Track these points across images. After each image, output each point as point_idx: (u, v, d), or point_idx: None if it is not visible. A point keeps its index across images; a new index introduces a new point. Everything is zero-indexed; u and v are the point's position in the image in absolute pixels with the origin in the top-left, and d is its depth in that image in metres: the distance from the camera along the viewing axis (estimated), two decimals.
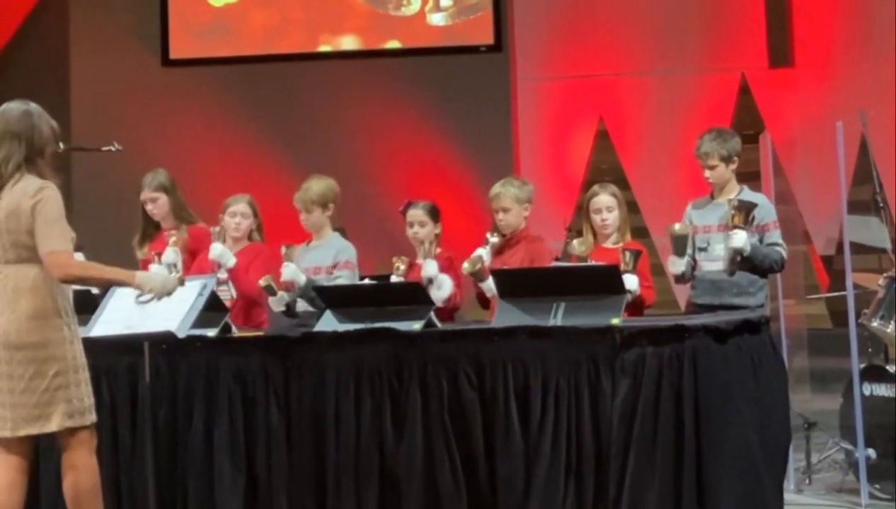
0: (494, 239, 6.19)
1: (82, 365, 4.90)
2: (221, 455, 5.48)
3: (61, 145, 5.13)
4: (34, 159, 4.88)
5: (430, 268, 6.09)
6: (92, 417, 4.91)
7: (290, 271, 6.24)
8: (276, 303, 6.29)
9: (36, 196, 4.79)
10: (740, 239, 5.74)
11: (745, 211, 5.76)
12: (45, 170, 4.89)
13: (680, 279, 6.05)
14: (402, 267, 6.20)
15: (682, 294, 6.50)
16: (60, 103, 5.19)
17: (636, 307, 5.91)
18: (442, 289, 6.07)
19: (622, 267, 5.66)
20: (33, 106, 4.97)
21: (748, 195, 6.03)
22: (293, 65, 11.45)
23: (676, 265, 5.94)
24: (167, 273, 5.13)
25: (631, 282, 5.59)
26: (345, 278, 6.31)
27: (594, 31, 11.03)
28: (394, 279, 6.20)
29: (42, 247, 4.77)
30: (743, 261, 5.81)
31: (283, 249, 6.31)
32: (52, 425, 4.82)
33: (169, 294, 4.99)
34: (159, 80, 11.55)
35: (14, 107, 4.95)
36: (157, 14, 11.61)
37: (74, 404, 4.84)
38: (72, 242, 4.86)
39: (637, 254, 5.78)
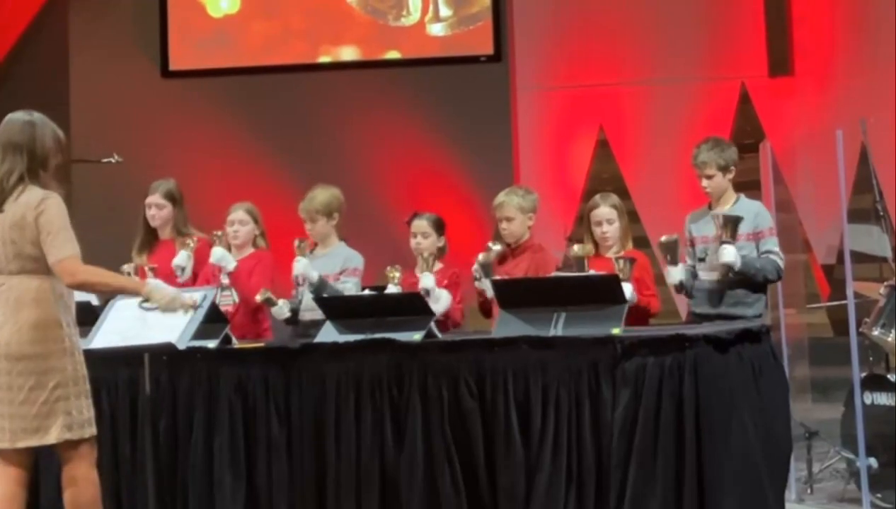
0: (497, 247, 6.17)
1: (83, 377, 4.88)
2: (222, 465, 5.48)
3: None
4: (36, 171, 4.86)
5: (426, 280, 6.04)
6: (92, 430, 4.90)
7: (302, 265, 6.22)
8: (279, 312, 6.30)
9: (39, 207, 4.78)
10: (730, 253, 5.75)
11: (732, 225, 5.76)
12: (49, 182, 4.88)
13: (679, 289, 6.03)
14: (397, 275, 6.18)
15: (683, 303, 6.49)
16: (60, 115, 5.17)
17: (640, 315, 5.91)
18: (439, 302, 6.05)
19: (618, 275, 5.67)
20: (37, 116, 4.95)
21: (745, 203, 6.03)
22: (293, 76, 11.48)
23: (672, 275, 5.93)
24: (176, 291, 5.14)
25: (625, 290, 5.60)
26: (352, 285, 6.31)
27: (594, 41, 11.05)
28: (390, 289, 6.19)
29: (51, 256, 4.76)
30: (736, 276, 5.81)
31: (296, 243, 6.29)
32: (51, 437, 4.80)
33: (173, 311, 5.01)
34: (159, 91, 11.57)
35: (17, 118, 4.94)
36: (157, 25, 11.64)
37: (74, 416, 4.82)
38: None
39: (630, 262, 5.78)
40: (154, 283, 5.14)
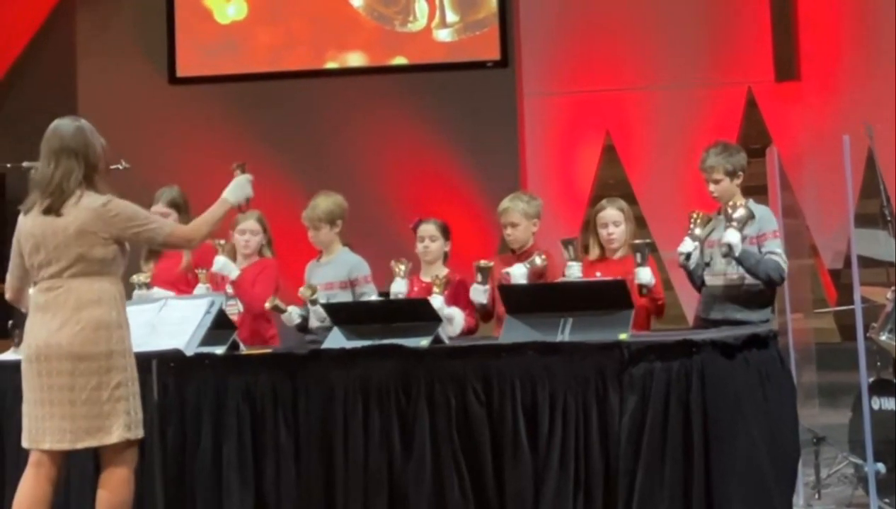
0: (485, 264, 6.17)
1: (136, 378, 4.94)
2: (230, 472, 5.48)
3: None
4: (91, 176, 4.93)
5: (435, 303, 6.04)
6: (142, 431, 4.94)
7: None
8: (289, 319, 6.32)
9: (108, 209, 4.88)
10: (732, 235, 5.74)
11: (741, 217, 5.75)
12: (101, 186, 4.95)
13: (685, 263, 5.97)
14: (403, 268, 6.20)
15: (690, 308, 6.49)
16: None
17: (650, 307, 5.94)
18: (453, 323, 6.07)
19: (636, 261, 5.69)
20: (84, 122, 5.03)
21: (752, 208, 6.03)
22: (300, 81, 11.49)
23: (685, 244, 5.90)
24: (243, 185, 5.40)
25: (645, 275, 5.60)
26: (370, 293, 6.33)
27: (600, 46, 11.05)
28: (397, 283, 6.20)
29: (158, 237, 5.00)
30: (732, 256, 5.81)
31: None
32: (113, 437, 4.83)
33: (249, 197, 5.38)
34: (166, 97, 11.59)
35: (67, 123, 5.00)
36: (164, 32, 11.66)
37: (132, 416, 4.87)
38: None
39: (649, 247, 5.81)
40: (228, 197, 5.33)
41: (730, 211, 5.79)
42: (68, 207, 4.87)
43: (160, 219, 5.07)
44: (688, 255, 5.92)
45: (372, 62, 11.69)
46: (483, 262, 6.16)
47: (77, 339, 4.81)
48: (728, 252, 5.76)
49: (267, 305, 6.29)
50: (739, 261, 5.80)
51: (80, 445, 4.83)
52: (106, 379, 4.81)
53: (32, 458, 4.91)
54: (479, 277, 6.15)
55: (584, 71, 11.11)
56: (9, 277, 5.10)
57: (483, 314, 6.31)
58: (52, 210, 4.89)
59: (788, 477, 5.26)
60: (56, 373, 4.82)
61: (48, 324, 4.85)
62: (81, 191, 4.89)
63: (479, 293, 6.14)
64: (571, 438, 5.03)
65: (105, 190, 4.95)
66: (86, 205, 4.87)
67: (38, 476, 4.88)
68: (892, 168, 8.79)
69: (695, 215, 5.93)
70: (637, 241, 5.92)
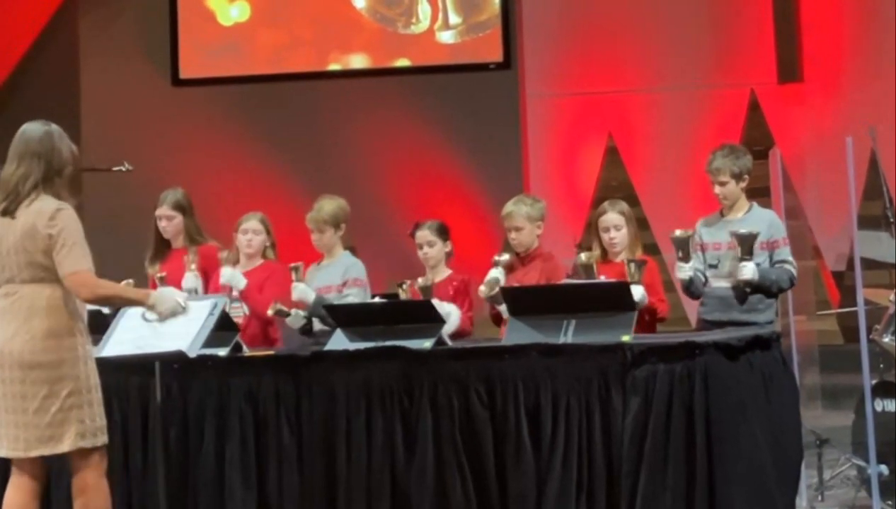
0: (504, 258, 6.17)
1: (95, 385, 4.89)
2: (232, 474, 5.48)
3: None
4: (52, 179, 4.87)
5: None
6: (104, 438, 4.90)
7: (300, 291, 6.26)
8: (294, 321, 6.32)
9: (54, 218, 4.78)
10: (749, 270, 5.78)
11: (748, 243, 5.77)
12: (62, 192, 4.89)
13: (688, 286, 5.99)
14: (405, 295, 6.19)
15: (693, 310, 6.49)
16: (71, 123, 5.19)
17: (649, 320, 5.92)
18: (449, 319, 6.04)
19: (627, 278, 5.67)
20: (54, 127, 4.98)
21: (758, 212, 6.04)
22: (303, 83, 11.50)
23: (683, 271, 5.92)
24: (178, 296, 5.12)
25: (637, 292, 5.60)
26: (355, 295, 6.33)
27: (603, 48, 11.05)
28: (493, 272, 6.16)
29: (64, 268, 4.76)
30: (753, 290, 5.84)
31: (293, 272, 6.32)
32: (65, 446, 4.80)
33: (174, 316, 5.01)
34: (169, 99, 11.60)
35: (35, 127, 4.95)
36: (167, 33, 11.66)
37: (87, 424, 4.83)
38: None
39: (641, 265, 5.78)
40: (157, 294, 5.07)
41: (735, 242, 5.84)
42: (21, 209, 4.83)
43: (85, 258, 4.78)
44: (689, 280, 5.95)
45: (375, 64, 11.70)
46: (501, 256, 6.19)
47: (27, 348, 4.78)
48: (747, 285, 5.81)
49: (270, 311, 6.30)
50: (759, 287, 5.83)
51: (32, 453, 4.81)
52: (57, 388, 4.78)
53: (13, 463, 4.91)
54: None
55: (586, 72, 11.11)
56: None
57: (494, 316, 6.29)
58: (8, 212, 4.84)
59: (791, 479, 5.26)
60: (9, 381, 4.80)
61: (4, 331, 4.83)
62: (37, 195, 4.84)
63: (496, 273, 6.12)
64: (574, 440, 5.03)
65: (68, 197, 4.89)
66: (36, 209, 4.81)
67: (21, 482, 4.88)
68: (895, 170, 8.80)
69: (678, 237, 5.94)
70: (632, 260, 5.90)
